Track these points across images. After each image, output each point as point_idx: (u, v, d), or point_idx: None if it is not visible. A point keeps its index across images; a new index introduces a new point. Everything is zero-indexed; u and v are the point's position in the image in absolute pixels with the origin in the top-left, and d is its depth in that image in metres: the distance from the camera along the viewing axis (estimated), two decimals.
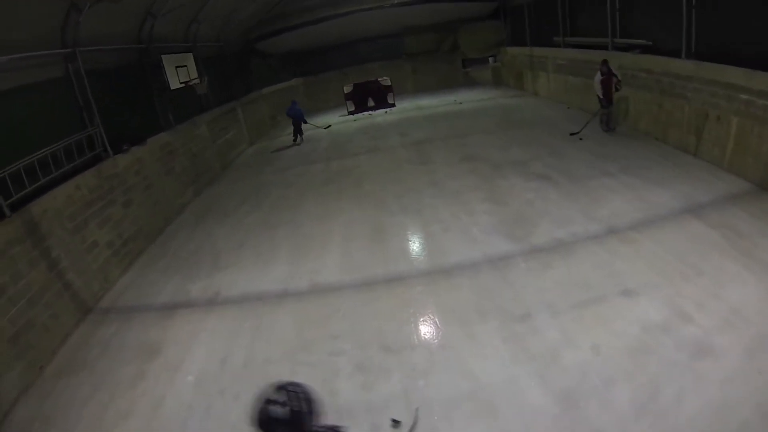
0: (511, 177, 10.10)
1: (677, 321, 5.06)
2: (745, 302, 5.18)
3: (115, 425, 5.04)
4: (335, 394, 4.89)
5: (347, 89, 21.60)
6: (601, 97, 11.90)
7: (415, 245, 8.11)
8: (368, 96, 21.69)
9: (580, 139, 12.05)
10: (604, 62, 11.65)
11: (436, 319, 5.92)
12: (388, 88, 21.64)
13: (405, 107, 21.01)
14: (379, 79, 21.73)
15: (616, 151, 10.70)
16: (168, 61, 12.24)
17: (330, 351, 5.62)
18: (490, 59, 23.56)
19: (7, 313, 6.05)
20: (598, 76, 11.74)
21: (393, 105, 21.54)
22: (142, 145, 10.72)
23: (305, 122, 18.16)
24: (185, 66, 13.12)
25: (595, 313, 5.47)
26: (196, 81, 13.81)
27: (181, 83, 12.74)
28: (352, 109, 21.56)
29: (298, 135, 17.86)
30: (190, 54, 13.71)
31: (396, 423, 4.41)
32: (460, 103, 20.03)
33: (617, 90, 11.64)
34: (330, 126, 19.55)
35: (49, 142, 7.97)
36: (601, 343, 4.95)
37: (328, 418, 4.50)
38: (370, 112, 21.24)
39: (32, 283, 6.61)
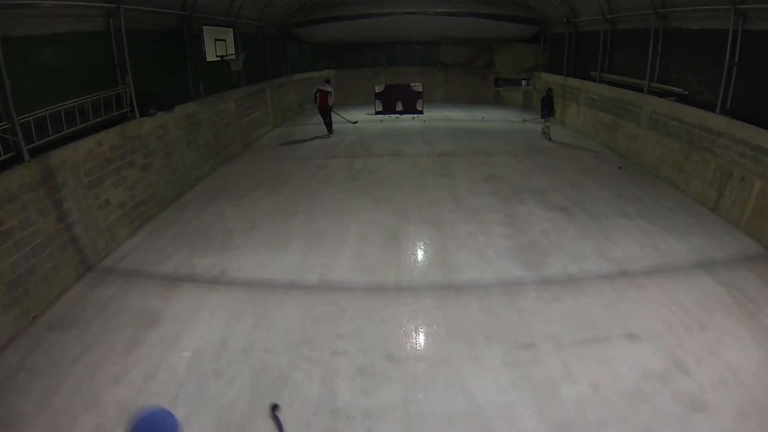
0: (530, 203, 10.03)
1: (676, 372, 5.04)
2: (743, 364, 5.15)
3: (102, 389, 4.93)
4: (334, 394, 4.85)
5: (378, 89, 21.52)
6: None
7: (429, 257, 8.02)
8: (398, 99, 21.53)
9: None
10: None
11: (443, 335, 5.86)
12: (419, 94, 21.51)
13: (432, 116, 20.93)
14: (411, 84, 21.59)
15: (635, 193, 10.66)
16: (208, 33, 12.30)
17: (333, 350, 5.54)
18: (523, 82, 23.49)
19: (9, 257, 6.01)
20: None
21: (421, 112, 21.37)
22: (168, 111, 10.71)
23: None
24: (224, 40, 13.17)
25: (597, 351, 5.44)
26: (233, 57, 13.85)
27: (217, 56, 12.77)
28: (380, 109, 21.43)
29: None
30: (230, 29, 13.77)
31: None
32: (487, 120, 19.97)
33: None
34: (357, 122, 19.55)
35: (78, 93, 7.96)
36: (599, 383, 4.92)
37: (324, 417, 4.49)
38: (397, 115, 21.14)
39: (39, 232, 6.58)
